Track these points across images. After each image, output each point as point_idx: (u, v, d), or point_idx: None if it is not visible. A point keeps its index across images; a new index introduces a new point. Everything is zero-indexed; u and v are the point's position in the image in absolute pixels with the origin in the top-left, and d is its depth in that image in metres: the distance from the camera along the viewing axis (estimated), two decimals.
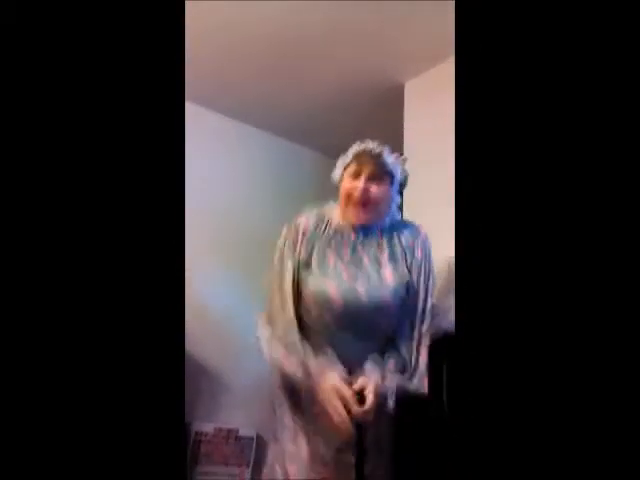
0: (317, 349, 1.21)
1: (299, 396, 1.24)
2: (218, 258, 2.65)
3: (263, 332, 1.25)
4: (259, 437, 2.47)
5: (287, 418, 1.25)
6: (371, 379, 1.16)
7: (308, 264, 1.24)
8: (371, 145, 1.25)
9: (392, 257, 1.27)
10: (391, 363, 1.21)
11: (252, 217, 2.80)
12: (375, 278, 1.23)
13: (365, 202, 1.22)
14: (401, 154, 1.31)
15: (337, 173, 1.30)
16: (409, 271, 1.26)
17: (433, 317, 1.27)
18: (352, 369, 1.22)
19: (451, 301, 1.48)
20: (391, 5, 1.91)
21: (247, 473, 2.45)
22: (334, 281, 1.21)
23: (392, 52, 2.20)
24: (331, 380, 1.14)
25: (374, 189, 1.22)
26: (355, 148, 1.27)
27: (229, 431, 2.49)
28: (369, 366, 1.20)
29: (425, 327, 1.24)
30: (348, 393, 1.12)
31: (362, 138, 1.29)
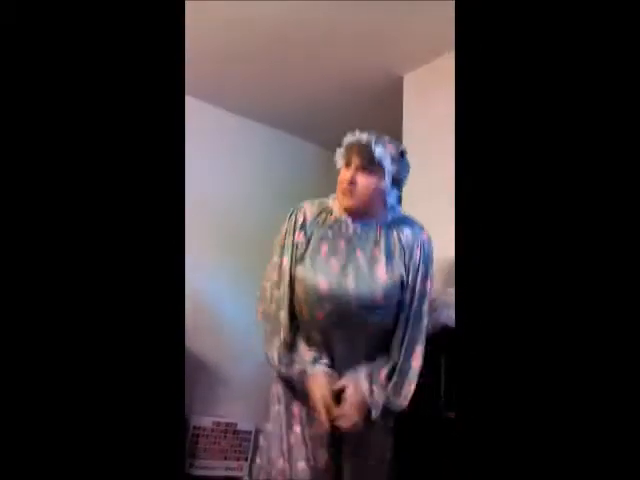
0: (310, 344, 1.22)
1: (294, 391, 1.23)
2: (218, 252, 2.65)
3: (261, 327, 1.25)
4: (257, 431, 2.47)
5: (282, 412, 1.24)
6: (357, 389, 1.18)
7: (303, 257, 1.23)
8: (360, 136, 1.23)
9: (388, 254, 1.23)
10: (382, 373, 1.21)
11: (253, 211, 2.80)
12: (367, 274, 1.20)
13: (351, 191, 1.21)
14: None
15: (338, 164, 1.30)
16: (406, 271, 1.23)
17: (431, 313, 1.26)
18: (342, 367, 1.22)
19: (449, 296, 1.47)
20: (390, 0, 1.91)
21: (245, 467, 2.46)
22: (324, 274, 1.20)
23: (391, 46, 2.22)
24: (318, 379, 1.17)
25: (360, 178, 1.20)
26: (347, 139, 1.26)
27: (227, 425, 2.50)
28: (361, 375, 1.20)
29: (418, 331, 1.22)
30: (328, 393, 1.16)
31: (363, 131, 1.27)
